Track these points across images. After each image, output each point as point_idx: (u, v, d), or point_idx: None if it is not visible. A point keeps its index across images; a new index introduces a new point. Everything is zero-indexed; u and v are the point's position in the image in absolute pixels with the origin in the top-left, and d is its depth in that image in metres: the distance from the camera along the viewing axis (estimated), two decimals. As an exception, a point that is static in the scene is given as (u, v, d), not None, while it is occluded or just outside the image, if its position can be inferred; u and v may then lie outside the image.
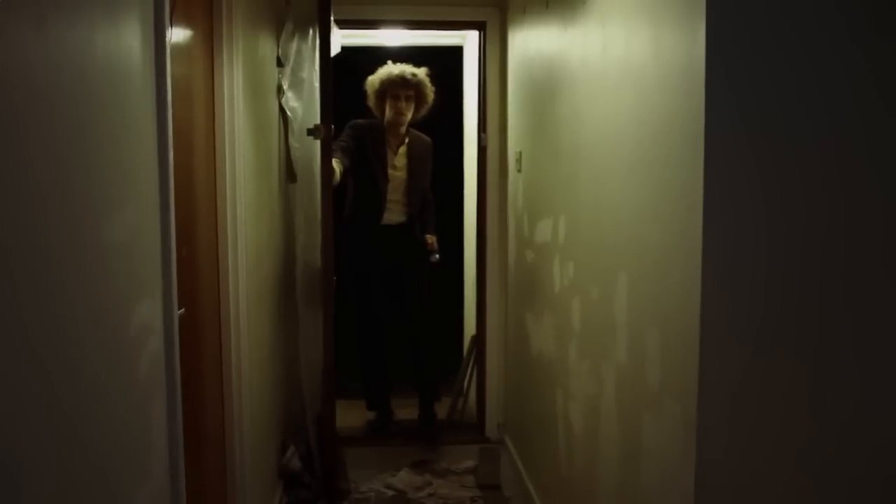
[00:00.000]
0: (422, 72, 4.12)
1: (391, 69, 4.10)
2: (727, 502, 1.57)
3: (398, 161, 4.16)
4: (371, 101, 4.19)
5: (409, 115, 4.11)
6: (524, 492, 3.41)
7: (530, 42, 3.38)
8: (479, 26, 4.07)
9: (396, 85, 4.07)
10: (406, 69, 4.10)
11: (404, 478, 3.73)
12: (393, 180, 4.13)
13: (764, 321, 1.54)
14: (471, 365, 4.31)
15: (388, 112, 4.09)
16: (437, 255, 4.25)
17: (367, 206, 4.11)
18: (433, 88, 4.15)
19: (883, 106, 1.53)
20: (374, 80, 4.15)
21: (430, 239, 4.27)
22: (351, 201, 4.16)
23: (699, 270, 1.52)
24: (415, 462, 3.88)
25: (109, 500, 1.24)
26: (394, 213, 4.15)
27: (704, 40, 1.48)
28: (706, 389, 1.54)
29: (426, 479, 3.72)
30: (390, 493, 3.59)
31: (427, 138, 4.32)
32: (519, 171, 3.63)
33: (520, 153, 3.61)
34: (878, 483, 1.58)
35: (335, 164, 3.62)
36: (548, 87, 2.97)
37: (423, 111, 4.19)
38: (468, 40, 4.51)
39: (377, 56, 4.32)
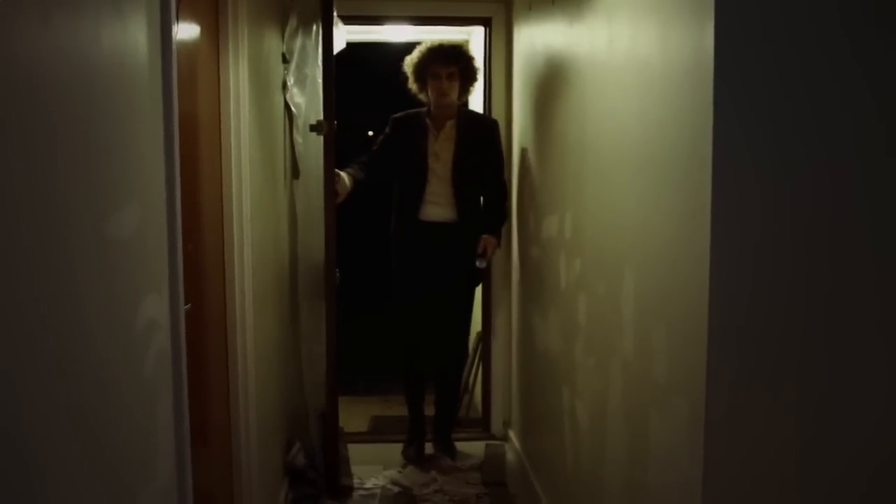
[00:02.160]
0: (461, 44, 3.72)
1: (428, 45, 3.66)
2: (735, 500, 1.57)
3: (441, 147, 3.64)
4: (412, 86, 3.71)
5: (455, 95, 3.64)
6: (530, 489, 3.41)
7: (536, 38, 3.36)
8: (485, 22, 4.06)
9: (435, 62, 3.59)
10: (444, 43, 3.66)
11: (410, 474, 3.73)
12: (435, 170, 3.63)
13: (771, 318, 1.53)
14: (476, 361, 4.31)
15: (430, 94, 3.63)
16: (484, 262, 3.62)
17: (406, 202, 3.70)
18: (477, 60, 3.72)
19: None
20: (410, 60, 3.68)
21: (485, 241, 3.60)
22: (395, 199, 3.80)
23: (707, 266, 1.51)
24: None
25: (117, 495, 1.24)
26: (439, 209, 3.64)
27: (713, 35, 1.47)
28: (713, 386, 1.53)
29: (432, 475, 3.72)
30: (396, 489, 3.59)
31: (487, 118, 3.84)
32: (525, 166, 3.62)
33: (525, 149, 3.60)
34: (885, 480, 1.57)
35: (345, 176, 3.52)
36: (553, 83, 2.96)
37: (472, 88, 3.73)
38: (473, 36, 4.49)
39: (383, 52, 4.29)
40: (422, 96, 3.72)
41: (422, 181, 3.64)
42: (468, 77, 3.66)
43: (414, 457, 3.83)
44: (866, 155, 1.51)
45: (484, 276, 3.87)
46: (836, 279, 1.53)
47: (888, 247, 1.53)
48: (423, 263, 3.69)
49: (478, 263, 3.59)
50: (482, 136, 3.68)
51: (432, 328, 3.83)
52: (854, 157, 1.51)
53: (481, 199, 3.75)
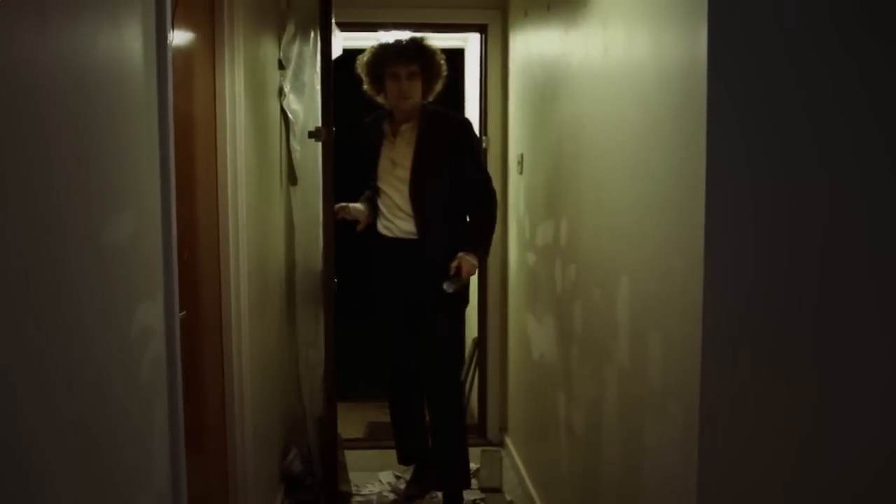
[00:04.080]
0: (421, 38, 3.27)
1: (383, 42, 3.29)
2: (729, 505, 1.57)
3: (398, 154, 3.22)
4: (367, 88, 3.30)
5: (417, 96, 3.18)
6: (526, 495, 3.41)
7: (531, 45, 3.38)
8: (481, 29, 4.08)
9: (392, 61, 3.16)
10: (401, 39, 3.25)
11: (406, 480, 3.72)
12: (390, 181, 3.24)
13: (765, 323, 1.53)
14: (472, 367, 4.31)
15: (389, 96, 3.22)
16: (453, 285, 3.04)
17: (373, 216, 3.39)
18: (442, 55, 3.26)
19: (892, 105, 1.52)
20: (363, 59, 3.27)
21: (459, 260, 3.08)
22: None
23: (701, 272, 1.52)
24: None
25: (112, 500, 1.24)
26: (400, 222, 3.23)
27: (706, 41, 1.48)
28: (708, 392, 1.54)
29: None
30: (392, 496, 3.59)
31: (456, 116, 3.37)
32: (520, 173, 3.63)
33: (521, 155, 3.61)
34: (876, 484, 1.58)
35: (361, 205, 3.41)
36: (549, 90, 2.97)
37: (437, 86, 3.25)
38: (469, 43, 4.51)
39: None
40: (379, 99, 3.31)
41: (374, 191, 3.32)
42: (432, 75, 3.21)
43: (417, 494, 3.50)
44: (862, 158, 1.52)
45: (464, 300, 3.30)
46: (830, 285, 1.54)
47: (883, 253, 1.54)
48: (383, 283, 3.37)
49: (445, 287, 3.03)
50: (451, 138, 3.20)
51: (409, 349, 3.40)
52: (850, 161, 1.52)
53: (460, 211, 3.26)
